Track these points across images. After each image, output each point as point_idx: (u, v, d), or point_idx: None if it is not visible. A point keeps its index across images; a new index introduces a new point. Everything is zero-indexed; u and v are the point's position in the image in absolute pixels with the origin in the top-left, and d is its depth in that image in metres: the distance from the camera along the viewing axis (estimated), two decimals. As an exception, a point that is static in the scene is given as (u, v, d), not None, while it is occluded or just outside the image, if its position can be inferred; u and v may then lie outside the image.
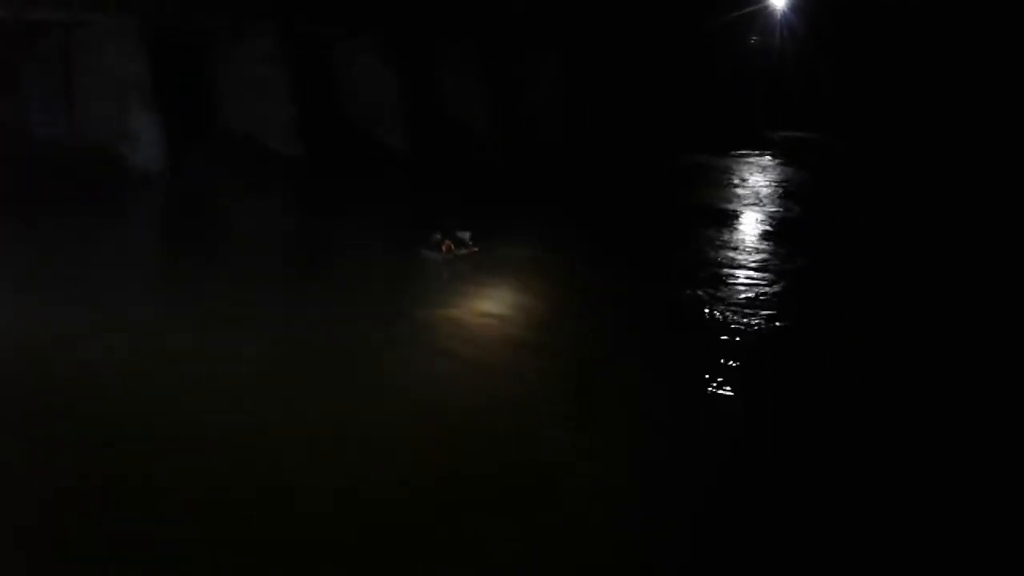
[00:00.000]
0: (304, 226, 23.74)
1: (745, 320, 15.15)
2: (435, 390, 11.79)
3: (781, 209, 26.45)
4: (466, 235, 18.62)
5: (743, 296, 16.59)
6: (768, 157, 38.03)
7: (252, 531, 8.48)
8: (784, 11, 50.72)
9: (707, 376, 12.55)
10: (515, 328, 14.55)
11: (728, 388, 12.23)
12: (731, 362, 13.23)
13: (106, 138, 26.58)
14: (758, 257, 19.89)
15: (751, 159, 37.43)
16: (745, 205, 26.77)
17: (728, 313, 15.47)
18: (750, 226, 23.57)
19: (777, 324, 15.14)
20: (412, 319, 14.60)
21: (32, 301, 14.73)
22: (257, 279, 17.60)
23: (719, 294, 16.64)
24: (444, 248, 18.12)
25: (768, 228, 23.35)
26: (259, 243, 21.26)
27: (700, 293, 16.67)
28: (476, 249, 18.47)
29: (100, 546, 8.23)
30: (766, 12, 51.17)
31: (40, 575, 7.91)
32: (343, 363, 12.64)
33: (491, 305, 15.54)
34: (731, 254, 20.11)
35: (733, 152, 38.24)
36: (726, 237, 22.03)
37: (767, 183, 31.56)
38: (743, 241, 21.61)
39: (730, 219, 24.30)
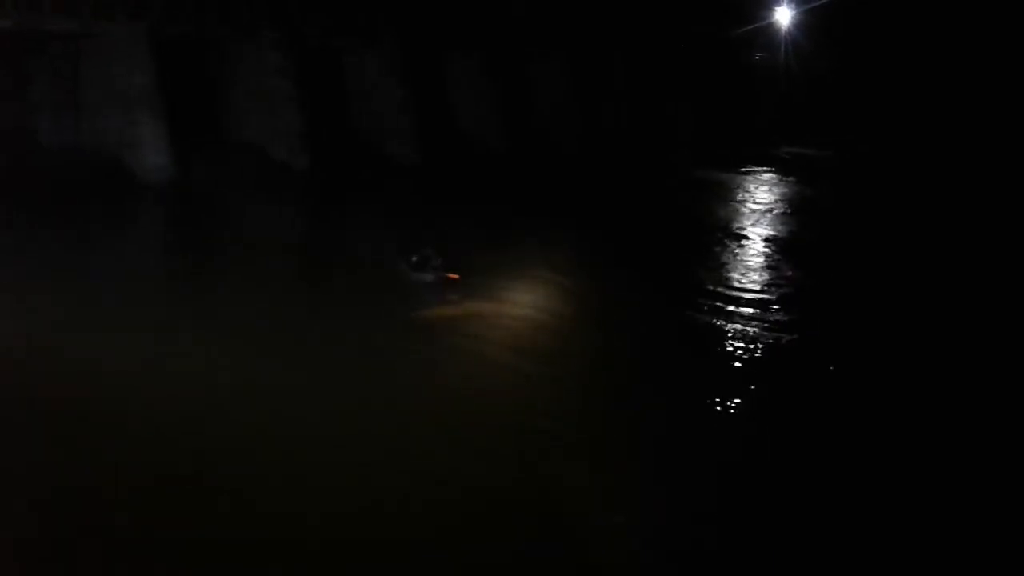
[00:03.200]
0: (307, 239, 23.66)
1: (755, 338, 15.08)
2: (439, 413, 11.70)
3: (790, 226, 26.34)
4: (438, 260, 17.26)
5: (755, 314, 16.49)
6: (776, 174, 37.97)
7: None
8: (789, 28, 50.72)
9: (717, 399, 12.49)
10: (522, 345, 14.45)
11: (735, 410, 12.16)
12: (741, 383, 13.20)
13: (113, 147, 26.48)
14: (767, 275, 19.84)
15: (759, 175, 37.37)
16: (755, 222, 26.64)
17: (740, 332, 15.38)
18: (760, 243, 23.42)
19: (787, 343, 15.06)
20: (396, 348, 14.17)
21: (38, 309, 14.60)
22: (263, 290, 17.42)
23: (732, 313, 16.51)
24: (439, 268, 17.13)
25: (778, 245, 23.20)
26: (264, 255, 21.01)
27: (713, 312, 16.56)
28: (453, 276, 17.08)
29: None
30: (771, 29, 51.21)
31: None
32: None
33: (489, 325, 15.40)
34: (742, 271, 20.02)
35: (742, 168, 38.20)
36: (738, 254, 21.96)
37: (776, 200, 31.46)
38: (754, 258, 21.52)
39: (742, 236, 24.16)
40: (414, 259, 17.47)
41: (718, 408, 12.23)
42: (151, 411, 10.90)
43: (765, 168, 39.14)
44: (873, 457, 11.01)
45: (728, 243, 23.23)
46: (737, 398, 12.59)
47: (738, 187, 34.03)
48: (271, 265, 20.26)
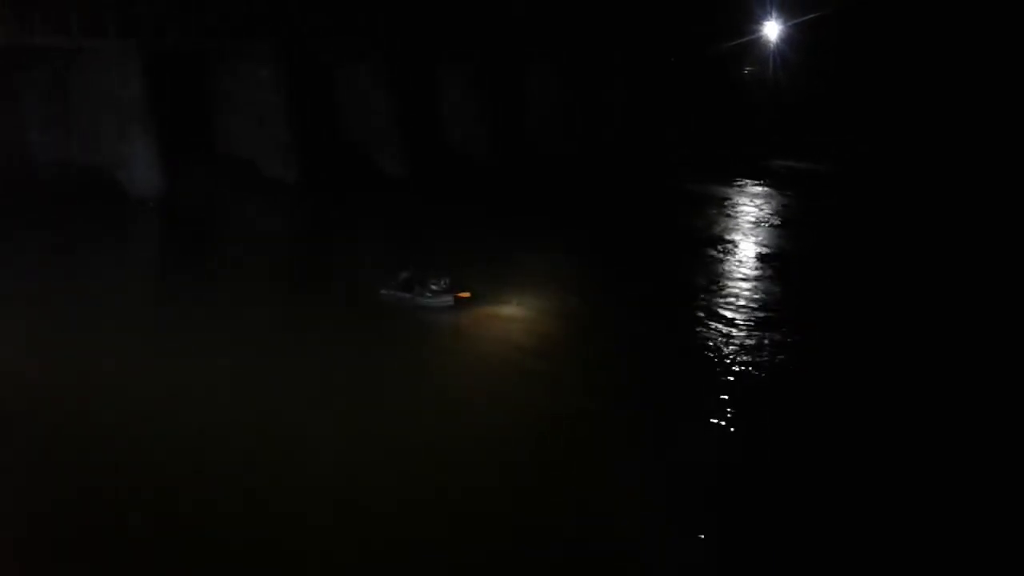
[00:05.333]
0: (301, 255, 23.52)
1: (744, 344, 15.25)
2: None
3: (781, 239, 26.37)
4: (441, 282, 16.70)
5: (746, 321, 16.59)
6: (767, 187, 38.03)
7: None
8: (777, 42, 51.07)
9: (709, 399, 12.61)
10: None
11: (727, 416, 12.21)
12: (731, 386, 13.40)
13: (104, 162, 26.42)
14: (760, 286, 19.91)
15: (751, 188, 37.43)
16: (747, 235, 26.71)
17: (731, 340, 15.45)
18: (754, 255, 23.50)
19: (774, 350, 15.20)
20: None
21: (29, 326, 14.49)
22: (256, 307, 17.30)
23: (724, 322, 16.56)
24: (445, 288, 16.67)
25: (768, 258, 23.27)
26: (257, 270, 20.94)
27: (706, 322, 16.62)
28: (464, 295, 16.77)
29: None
30: (759, 43, 51.56)
31: None
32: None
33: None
34: (736, 283, 20.08)
35: (733, 181, 38.26)
36: (733, 266, 22.05)
37: (768, 213, 31.50)
38: (747, 270, 21.60)
39: (734, 249, 24.22)
40: (392, 282, 17.09)
41: (711, 407, 12.35)
42: (156, 414, 10.96)
43: (756, 181, 39.22)
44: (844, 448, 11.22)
45: (720, 256, 23.29)
46: (729, 398, 12.75)
47: (730, 199, 34.09)
48: (261, 282, 20.09)
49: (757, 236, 26.52)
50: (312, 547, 8.39)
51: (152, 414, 11.05)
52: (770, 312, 17.57)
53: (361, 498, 9.30)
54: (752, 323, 16.59)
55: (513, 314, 16.36)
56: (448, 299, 16.45)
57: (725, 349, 15.05)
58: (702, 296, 18.64)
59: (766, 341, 15.54)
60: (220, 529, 8.64)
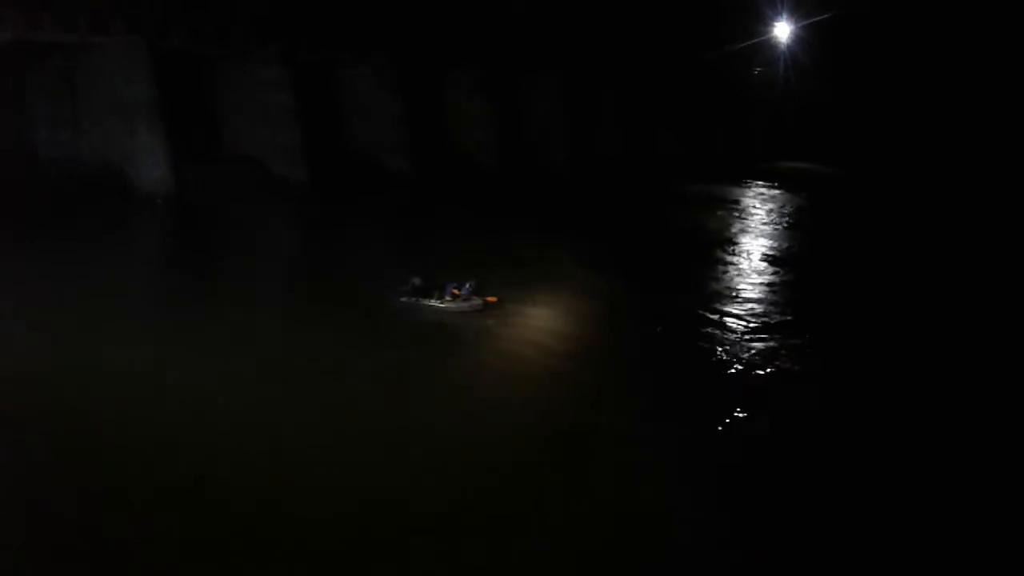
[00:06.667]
0: (312, 257, 23.45)
1: (752, 346, 15.29)
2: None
3: (789, 240, 26.32)
4: (466, 286, 16.66)
5: (757, 328, 16.54)
6: (772, 188, 38.02)
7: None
8: (787, 43, 50.80)
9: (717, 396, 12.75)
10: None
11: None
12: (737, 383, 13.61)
13: (111, 159, 26.46)
14: (770, 287, 19.89)
15: (757, 189, 37.44)
16: (752, 234, 26.68)
17: (742, 348, 15.46)
18: (763, 257, 23.47)
19: (786, 353, 15.16)
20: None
21: (35, 323, 14.51)
22: (264, 309, 17.26)
23: (735, 326, 16.54)
24: (452, 295, 16.60)
25: (779, 259, 23.24)
26: (267, 271, 20.90)
27: (716, 324, 16.61)
28: (491, 299, 16.71)
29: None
30: (769, 44, 51.29)
31: None
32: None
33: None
34: (746, 285, 20.06)
35: (739, 182, 38.26)
36: (742, 268, 22.04)
37: (772, 213, 31.48)
38: (756, 272, 21.59)
39: (742, 251, 24.18)
40: (406, 288, 16.96)
41: (718, 404, 12.49)
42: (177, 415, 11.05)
43: (763, 182, 39.21)
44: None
45: (730, 258, 23.25)
46: (734, 395, 13.06)
47: (739, 201, 34.06)
48: (270, 282, 20.00)
49: (767, 238, 26.45)
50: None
51: (174, 413, 11.09)
52: (780, 314, 17.53)
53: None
54: (761, 324, 16.56)
55: (541, 317, 16.39)
56: (478, 303, 16.53)
57: (733, 348, 15.08)
58: (711, 297, 18.62)
59: (776, 342, 15.52)
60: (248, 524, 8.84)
